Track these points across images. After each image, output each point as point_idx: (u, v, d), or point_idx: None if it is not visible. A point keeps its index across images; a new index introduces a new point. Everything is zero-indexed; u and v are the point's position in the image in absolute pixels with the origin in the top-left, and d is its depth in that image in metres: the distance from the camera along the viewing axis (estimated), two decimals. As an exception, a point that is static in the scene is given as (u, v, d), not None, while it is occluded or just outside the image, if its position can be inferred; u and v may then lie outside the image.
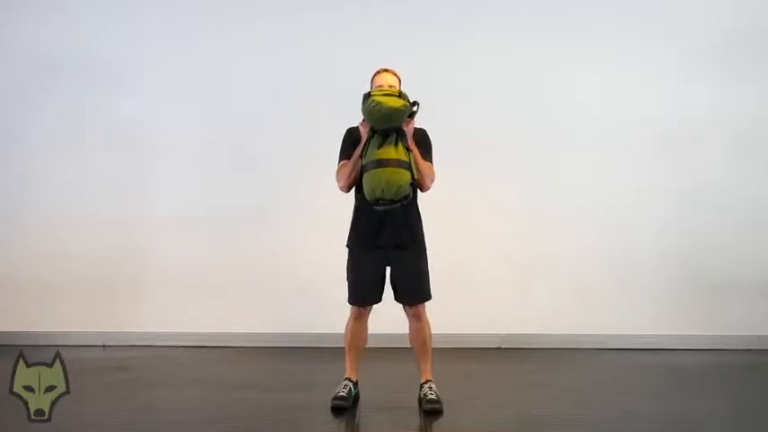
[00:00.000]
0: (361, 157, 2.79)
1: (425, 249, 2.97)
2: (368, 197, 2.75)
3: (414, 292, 2.94)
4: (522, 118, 4.05)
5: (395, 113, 2.70)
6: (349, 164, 2.84)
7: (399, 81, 2.93)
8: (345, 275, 2.99)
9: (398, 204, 2.73)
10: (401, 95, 2.76)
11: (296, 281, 4.10)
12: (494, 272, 4.08)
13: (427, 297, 2.99)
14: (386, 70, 2.94)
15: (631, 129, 4.05)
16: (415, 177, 2.77)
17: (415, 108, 2.80)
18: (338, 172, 2.90)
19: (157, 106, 4.14)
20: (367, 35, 4.01)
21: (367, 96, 2.78)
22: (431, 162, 2.90)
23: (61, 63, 4.14)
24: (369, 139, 2.78)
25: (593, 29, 4.02)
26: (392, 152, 2.72)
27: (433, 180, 2.87)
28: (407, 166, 2.73)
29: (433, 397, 2.93)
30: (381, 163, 2.70)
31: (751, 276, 4.07)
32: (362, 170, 2.77)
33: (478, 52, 4.04)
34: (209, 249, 4.15)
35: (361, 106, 2.79)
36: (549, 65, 4.04)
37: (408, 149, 2.77)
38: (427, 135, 2.96)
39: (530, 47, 4.04)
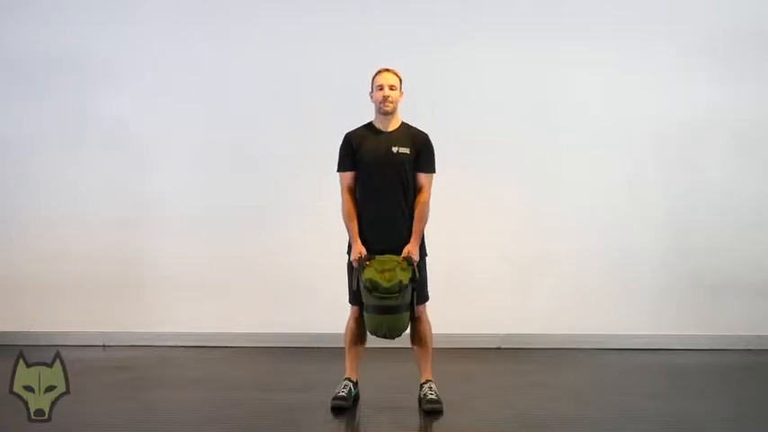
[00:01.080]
0: (357, 279, 2.84)
1: (425, 253, 2.98)
2: (369, 332, 2.88)
3: (418, 291, 2.93)
4: (522, 118, 4.05)
5: (393, 301, 2.76)
6: (348, 225, 2.92)
7: (400, 81, 2.93)
8: (347, 276, 2.99)
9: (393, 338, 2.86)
10: (400, 265, 2.80)
11: (296, 281, 4.10)
12: (494, 272, 4.07)
13: (426, 298, 2.99)
14: (386, 70, 2.94)
15: (631, 129, 4.05)
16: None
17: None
18: (342, 210, 2.96)
19: (157, 106, 4.14)
20: (367, 35, 4.01)
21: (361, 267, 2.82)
22: (432, 170, 2.93)
23: (61, 63, 4.13)
24: (367, 265, 2.81)
25: (593, 29, 4.02)
26: (394, 295, 2.74)
27: (429, 202, 2.93)
28: (406, 308, 2.80)
29: (433, 397, 2.93)
30: (382, 310, 2.76)
31: (751, 276, 4.07)
32: (362, 306, 2.83)
33: (478, 52, 4.04)
34: (209, 249, 4.15)
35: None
36: (549, 65, 4.04)
37: (409, 263, 2.81)
38: (429, 142, 2.95)
39: (530, 47, 4.03)
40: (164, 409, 3.07)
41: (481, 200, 4.06)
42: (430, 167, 2.94)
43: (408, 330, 3.04)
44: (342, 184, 2.96)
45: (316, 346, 4.07)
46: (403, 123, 2.95)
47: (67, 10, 4.12)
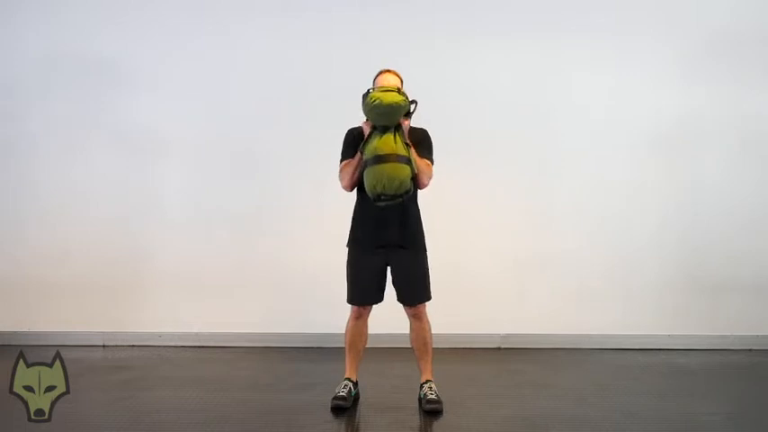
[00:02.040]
0: (361, 153, 2.80)
1: (425, 249, 2.98)
2: (369, 193, 2.75)
3: (414, 292, 2.95)
4: (522, 118, 4.05)
5: (394, 108, 2.72)
6: (351, 162, 2.86)
7: (401, 82, 2.94)
8: (345, 275, 2.99)
9: (400, 199, 2.73)
10: (399, 92, 2.78)
11: (296, 281, 4.10)
12: (494, 272, 4.07)
13: (427, 297, 2.99)
14: (388, 71, 2.95)
15: (631, 129, 4.05)
16: (415, 172, 2.77)
17: (412, 107, 2.83)
18: (341, 171, 2.91)
19: (159, 107, 4.13)
20: (367, 35, 4.00)
21: (366, 94, 2.80)
22: (431, 160, 2.91)
23: (62, 63, 4.13)
24: (368, 136, 2.80)
25: (593, 29, 4.01)
26: (391, 147, 2.72)
27: (430, 177, 2.87)
28: (407, 161, 2.73)
29: (434, 397, 2.93)
30: (381, 158, 2.70)
31: (751, 276, 4.07)
32: (363, 167, 2.77)
33: (478, 52, 4.04)
34: (210, 249, 4.14)
35: (361, 105, 2.79)
36: (549, 65, 4.04)
37: (407, 144, 2.78)
38: (428, 134, 2.97)
39: (530, 47, 4.03)
40: (164, 409, 3.07)
41: (481, 200, 4.06)
42: (429, 153, 2.90)
43: (408, 331, 3.04)
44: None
45: (316, 346, 4.07)
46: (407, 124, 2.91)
47: (67, 9, 4.12)
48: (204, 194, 4.14)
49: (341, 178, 2.90)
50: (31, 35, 4.13)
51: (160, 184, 4.14)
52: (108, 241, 4.15)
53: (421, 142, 2.89)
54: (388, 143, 2.72)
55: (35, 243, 4.18)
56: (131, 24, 4.10)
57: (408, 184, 2.72)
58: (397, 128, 2.78)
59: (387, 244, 2.90)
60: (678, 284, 4.08)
